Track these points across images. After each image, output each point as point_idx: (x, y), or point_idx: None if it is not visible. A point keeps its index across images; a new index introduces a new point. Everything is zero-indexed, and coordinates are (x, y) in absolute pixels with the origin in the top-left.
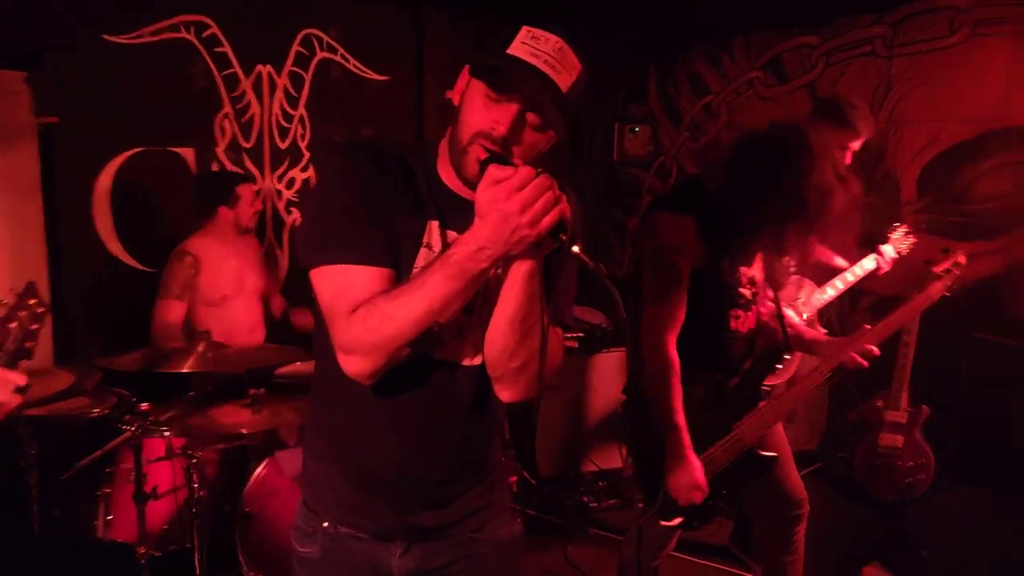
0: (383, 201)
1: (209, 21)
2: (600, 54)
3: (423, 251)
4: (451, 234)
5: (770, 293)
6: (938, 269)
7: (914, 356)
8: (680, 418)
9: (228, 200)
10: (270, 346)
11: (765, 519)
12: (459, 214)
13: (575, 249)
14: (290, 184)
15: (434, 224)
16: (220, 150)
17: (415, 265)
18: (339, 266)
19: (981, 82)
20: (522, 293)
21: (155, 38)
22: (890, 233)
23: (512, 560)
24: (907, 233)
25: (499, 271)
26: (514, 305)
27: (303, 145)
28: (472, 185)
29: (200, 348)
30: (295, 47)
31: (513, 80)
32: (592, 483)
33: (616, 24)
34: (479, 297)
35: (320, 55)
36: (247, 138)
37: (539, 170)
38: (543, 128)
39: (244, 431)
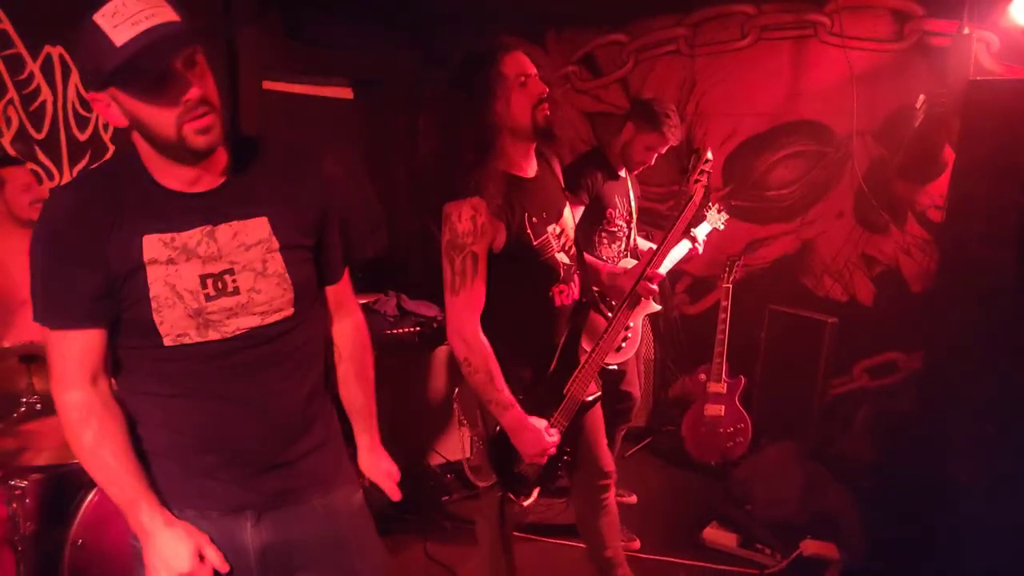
0: (92, 243)
1: None
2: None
3: (151, 269)
4: (184, 236)
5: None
6: (695, 175)
7: (729, 331)
8: (508, 396)
9: None
10: None
11: (579, 489)
12: (181, 210)
13: None
14: None
15: (152, 238)
16: (6, 140)
17: (148, 283)
18: (49, 331)
19: (771, 80)
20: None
21: None
22: (705, 211)
23: (368, 527)
24: (719, 211)
25: None
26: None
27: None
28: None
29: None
30: None
31: (147, 69)
32: (440, 476)
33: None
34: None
35: None
36: (38, 129)
37: None
38: (193, 58)
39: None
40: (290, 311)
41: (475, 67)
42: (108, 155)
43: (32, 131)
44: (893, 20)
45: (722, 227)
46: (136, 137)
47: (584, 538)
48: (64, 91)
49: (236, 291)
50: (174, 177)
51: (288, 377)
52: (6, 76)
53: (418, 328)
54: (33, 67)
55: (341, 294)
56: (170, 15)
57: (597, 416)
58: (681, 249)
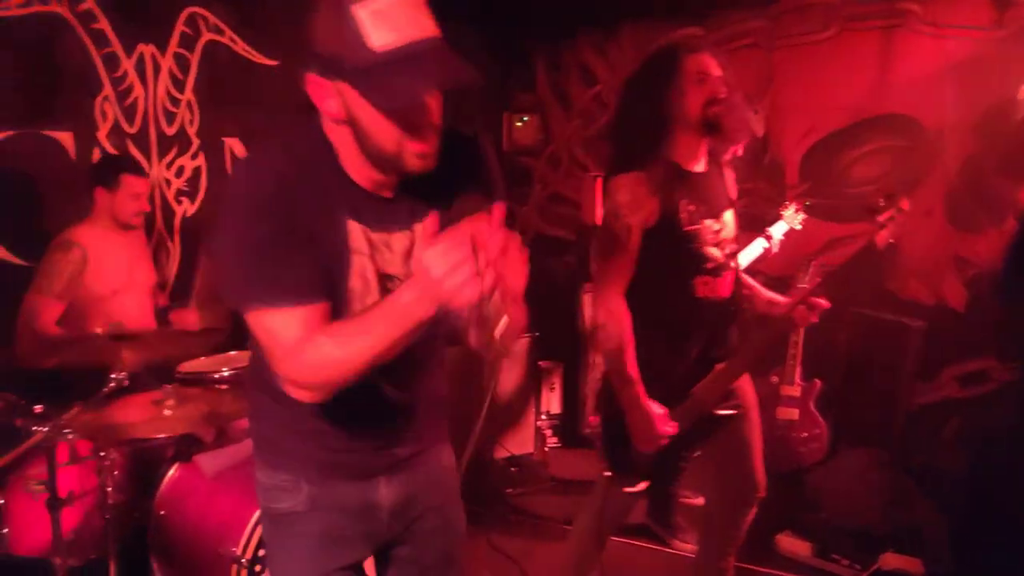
0: (300, 220)
1: None
2: (482, 43)
3: (355, 258)
4: (374, 236)
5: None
6: (882, 218)
7: (804, 333)
8: (633, 370)
9: (108, 182)
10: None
11: (722, 498)
12: (375, 213)
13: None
14: (179, 172)
15: (355, 225)
16: (102, 135)
17: (351, 272)
18: (271, 311)
19: (854, 73)
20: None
21: (23, 11)
22: (782, 210)
23: (457, 485)
24: (797, 210)
25: None
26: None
27: (192, 131)
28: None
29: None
30: (179, 27)
31: (404, 93)
32: (505, 469)
33: (495, 13)
34: None
35: (207, 36)
36: (131, 123)
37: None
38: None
39: (156, 429)
40: None
41: (660, 58)
42: (193, 149)
43: (125, 125)
44: (992, 7)
45: (799, 227)
46: (340, 129)
47: (703, 545)
48: (155, 88)
49: None
50: (365, 178)
51: (431, 358)
52: (103, 74)
53: None
54: (127, 65)
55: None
56: (431, 28)
57: (754, 426)
58: (756, 248)
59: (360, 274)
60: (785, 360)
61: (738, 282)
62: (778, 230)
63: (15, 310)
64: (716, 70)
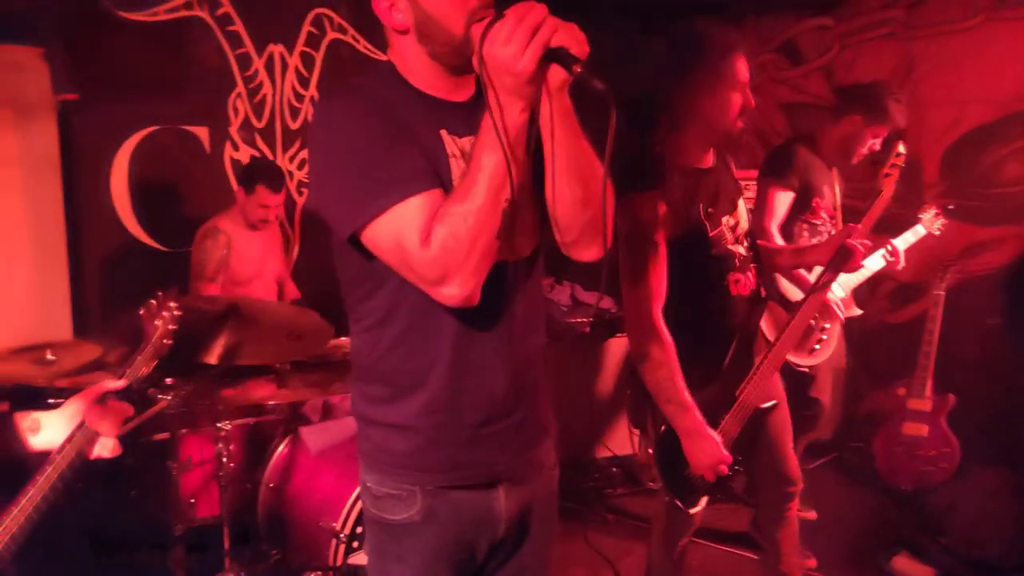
0: (398, 125)
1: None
2: (609, 37)
3: (452, 162)
4: (462, 141)
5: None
6: (885, 167)
7: (937, 344)
8: (688, 397)
9: (247, 186)
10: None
11: (761, 496)
12: (455, 117)
13: (577, 69)
14: (302, 165)
15: (444, 133)
16: (233, 130)
17: (452, 176)
18: (393, 208)
19: (1003, 64)
20: (565, 136)
21: (169, 16)
22: (920, 214)
23: (557, 486)
24: (936, 215)
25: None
26: (564, 151)
27: None
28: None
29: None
30: (306, 27)
31: None
32: (606, 469)
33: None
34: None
35: (331, 35)
36: (259, 118)
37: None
38: None
39: (269, 405)
40: (535, 241)
41: (709, 56)
42: None
43: (254, 120)
44: None
45: (937, 232)
46: (406, 43)
47: (760, 547)
48: (282, 85)
49: None
50: (440, 88)
51: (532, 321)
52: (236, 72)
53: (591, 319)
54: (258, 64)
55: None
56: None
57: (784, 418)
58: (875, 261)
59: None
60: (915, 371)
61: (760, 267)
62: (904, 241)
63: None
64: (747, 76)
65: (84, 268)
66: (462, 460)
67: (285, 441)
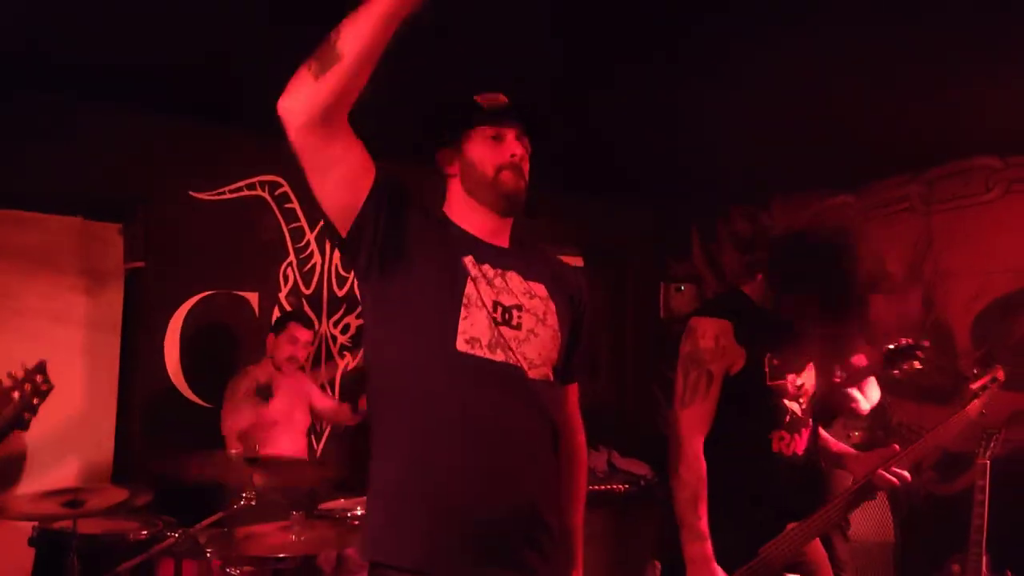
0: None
1: (281, 180)
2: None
3: (469, 282)
4: (486, 268)
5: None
6: (975, 386)
7: (990, 517)
8: (703, 526)
9: (277, 329)
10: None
11: None
12: (483, 250)
13: None
14: (345, 329)
15: (468, 259)
16: (282, 295)
17: (464, 294)
18: None
19: (1021, 235)
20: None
21: (234, 195)
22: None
23: None
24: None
25: None
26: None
27: (359, 292)
28: (503, 204)
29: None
30: None
31: (500, 113)
32: None
33: (655, 185)
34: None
35: None
36: (307, 285)
37: None
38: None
39: (283, 554)
40: (551, 376)
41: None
42: (359, 309)
43: (302, 287)
44: None
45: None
46: (454, 187)
47: None
48: (331, 255)
49: (519, 326)
50: (475, 226)
51: (541, 446)
52: (289, 244)
53: (627, 486)
54: (310, 236)
55: (571, 405)
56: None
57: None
58: None
59: (474, 292)
60: (968, 546)
61: (814, 438)
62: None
63: (196, 446)
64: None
65: (130, 418)
66: (453, 549)
67: None
